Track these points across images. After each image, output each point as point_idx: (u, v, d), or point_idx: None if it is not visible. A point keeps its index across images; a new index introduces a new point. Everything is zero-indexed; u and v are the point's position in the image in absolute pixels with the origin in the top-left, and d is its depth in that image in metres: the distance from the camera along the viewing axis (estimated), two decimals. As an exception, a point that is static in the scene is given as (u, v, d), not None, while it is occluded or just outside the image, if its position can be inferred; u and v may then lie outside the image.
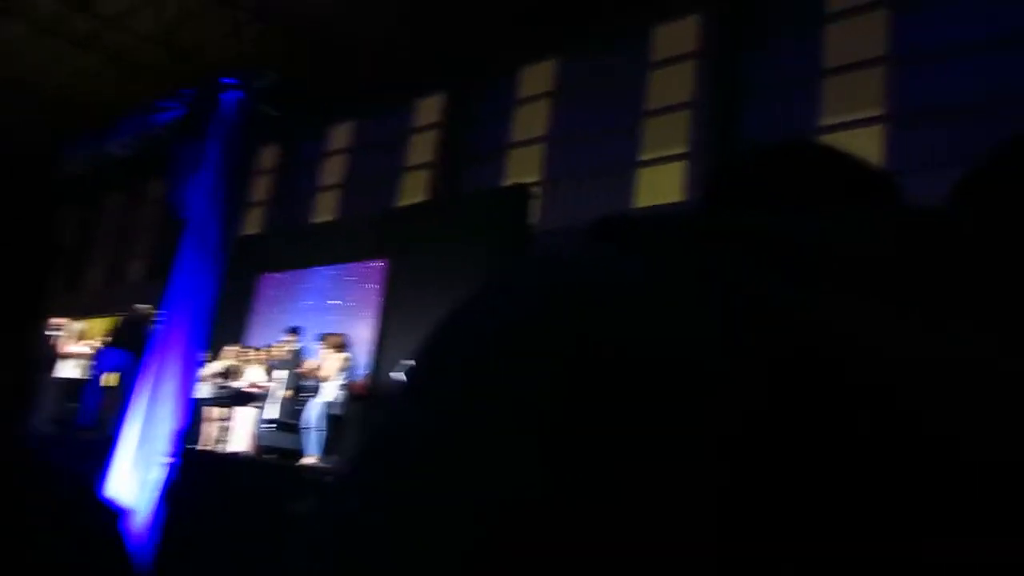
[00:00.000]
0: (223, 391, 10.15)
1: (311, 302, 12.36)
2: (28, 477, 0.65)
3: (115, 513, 0.71)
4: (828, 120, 10.70)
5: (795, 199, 0.50)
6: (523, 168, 13.45)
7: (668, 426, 0.27)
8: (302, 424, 9.78)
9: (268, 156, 18.34)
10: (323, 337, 10.21)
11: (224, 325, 10.99)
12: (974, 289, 0.30)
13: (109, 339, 11.85)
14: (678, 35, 12.35)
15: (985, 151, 0.44)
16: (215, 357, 10.77)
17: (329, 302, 12.11)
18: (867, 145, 9.79)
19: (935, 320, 0.29)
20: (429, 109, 15.41)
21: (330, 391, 9.65)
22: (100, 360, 11.33)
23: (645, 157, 12.26)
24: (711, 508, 0.25)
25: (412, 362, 0.37)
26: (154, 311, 8.70)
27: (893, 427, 0.26)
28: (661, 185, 11.75)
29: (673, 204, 11.28)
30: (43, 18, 15.86)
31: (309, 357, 10.23)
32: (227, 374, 10.50)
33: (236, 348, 11.09)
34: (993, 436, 0.26)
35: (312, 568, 0.31)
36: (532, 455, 0.27)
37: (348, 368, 9.86)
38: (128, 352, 10.14)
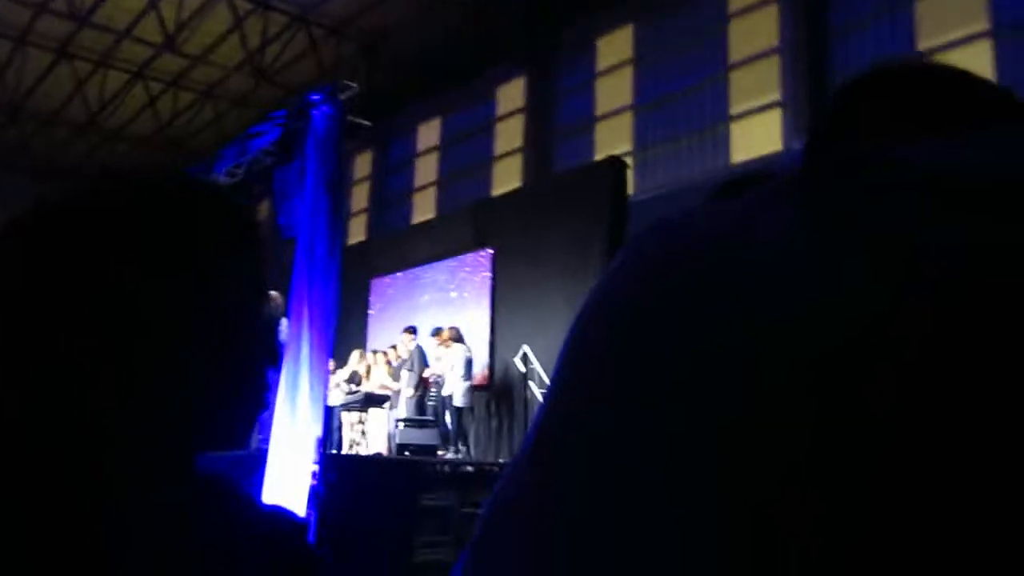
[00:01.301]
0: (353, 396, 10.51)
1: (424, 298, 12.62)
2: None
3: (301, 525, 0.74)
4: (926, 43, 10.17)
5: (926, 123, 0.48)
6: (613, 139, 13.33)
7: (843, 385, 0.26)
8: (431, 419, 10.04)
9: (363, 164, 18.77)
10: (437, 332, 10.42)
11: (345, 333, 11.37)
12: None
13: None
14: (755, -20, 11.96)
15: None
16: (341, 364, 11.15)
17: (441, 297, 12.33)
18: (974, 63, 9.26)
19: None
20: (511, 94, 15.44)
21: (453, 384, 9.86)
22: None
23: (736, 111, 11.95)
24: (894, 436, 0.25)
25: (568, 345, 0.37)
26: (283, 304, 9.02)
27: None
28: (757, 137, 11.43)
29: (772, 155, 10.96)
30: (135, 64, 16.66)
31: (427, 353, 10.46)
32: (355, 379, 10.86)
33: (360, 353, 11.44)
34: None
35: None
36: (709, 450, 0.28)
37: (466, 360, 10.04)
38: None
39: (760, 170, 0.38)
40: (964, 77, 0.55)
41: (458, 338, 10.20)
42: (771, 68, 11.57)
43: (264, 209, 20.45)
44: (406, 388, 10.24)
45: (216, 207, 0.71)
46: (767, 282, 0.29)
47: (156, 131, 18.27)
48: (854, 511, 0.26)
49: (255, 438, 11.40)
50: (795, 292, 0.28)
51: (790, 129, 10.95)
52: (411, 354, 10.43)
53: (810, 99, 10.71)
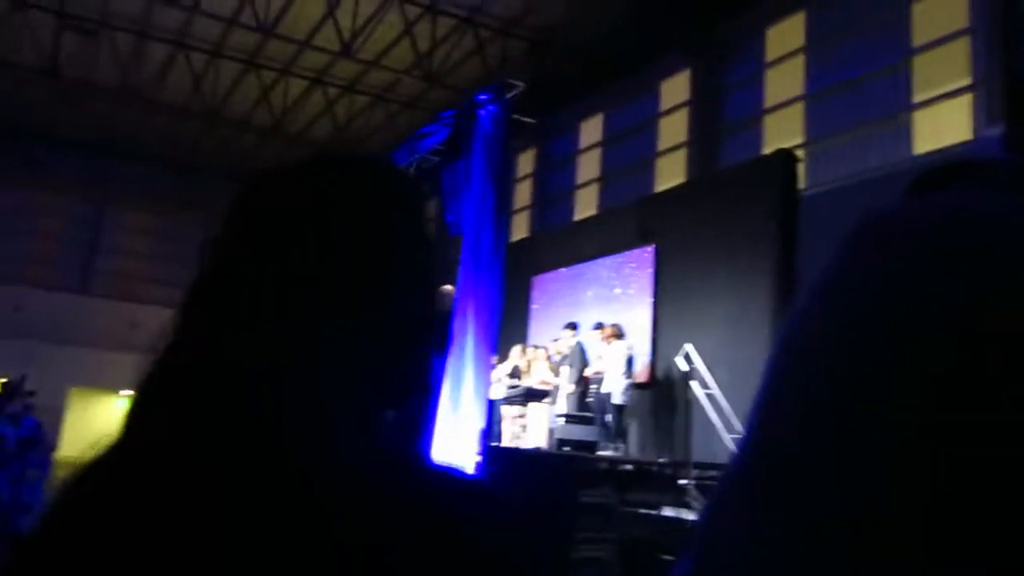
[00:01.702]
0: (514, 390, 10.69)
1: (587, 294, 12.65)
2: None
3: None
4: None
5: None
6: (783, 132, 12.82)
7: None
8: (590, 415, 10.06)
9: (526, 162, 19.04)
10: (599, 327, 10.42)
11: (507, 328, 11.58)
12: None
13: None
14: (942, -43, 11.15)
15: None
16: (503, 359, 11.37)
17: (603, 293, 12.32)
18: None
19: None
20: (675, 88, 15.18)
21: (614, 381, 9.84)
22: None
23: (920, 98, 11.18)
24: None
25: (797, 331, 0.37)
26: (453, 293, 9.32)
27: None
28: (944, 126, 10.65)
29: (960, 145, 10.19)
30: (314, 71, 17.67)
31: (588, 350, 10.48)
32: (516, 373, 11.05)
33: (521, 348, 11.63)
34: None
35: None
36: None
37: (627, 357, 9.99)
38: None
39: (959, 159, 0.37)
40: None
41: (619, 335, 10.16)
42: (960, 51, 10.74)
43: (432, 207, 21.23)
44: (566, 384, 10.31)
45: (396, 181, 0.81)
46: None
47: (334, 134, 19.30)
48: None
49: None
50: None
51: (982, 116, 10.13)
52: (572, 350, 10.49)
53: (1006, 82, 9.86)
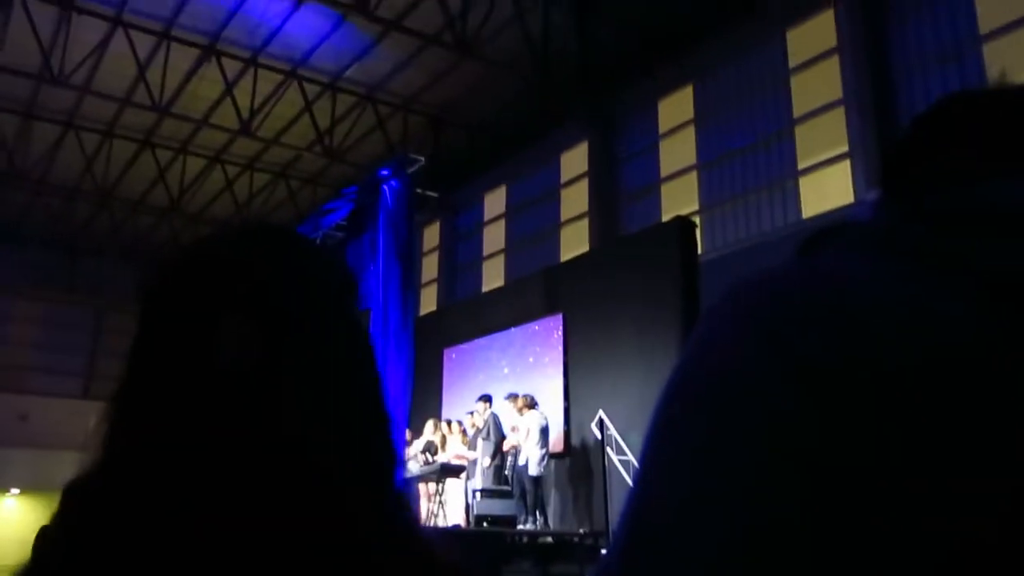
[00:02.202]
0: (429, 466, 10.50)
1: (499, 365, 12.64)
2: None
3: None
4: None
5: (1003, 154, 0.46)
6: (680, 200, 13.31)
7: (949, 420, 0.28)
8: (508, 489, 9.95)
9: (432, 235, 19.11)
10: (513, 397, 10.39)
11: (420, 402, 11.43)
12: None
13: None
14: (813, 33, 11.94)
15: None
16: (417, 434, 11.19)
17: (514, 364, 12.33)
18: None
19: None
20: (575, 159, 15.61)
21: (529, 453, 9.78)
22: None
23: (804, 164, 11.83)
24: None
25: (661, 406, 0.38)
26: None
27: None
28: (828, 190, 11.27)
29: (845, 207, 10.78)
30: (213, 149, 17.45)
31: (503, 421, 10.42)
32: (431, 449, 10.87)
33: (434, 422, 11.47)
34: None
35: None
36: (793, 477, 0.29)
37: (542, 427, 9.97)
38: None
39: (838, 223, 0.39)
40: None
41: (532, 405, 10.15)
42: (837, 119, 11.46)
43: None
44: (483, 457, 10.20)
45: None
46: (881, 328, 0.30)
47: (234, 212, 18.98)
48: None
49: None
50: (905, 337, 0.29)
51: (861, 180, 10.77)
52: (487, 423, 10.41)
53: (879, 148, 10.53)
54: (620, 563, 0.34)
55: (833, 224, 0.39)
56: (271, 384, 0.65)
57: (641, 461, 0.37)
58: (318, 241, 15.46)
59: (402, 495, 0.74)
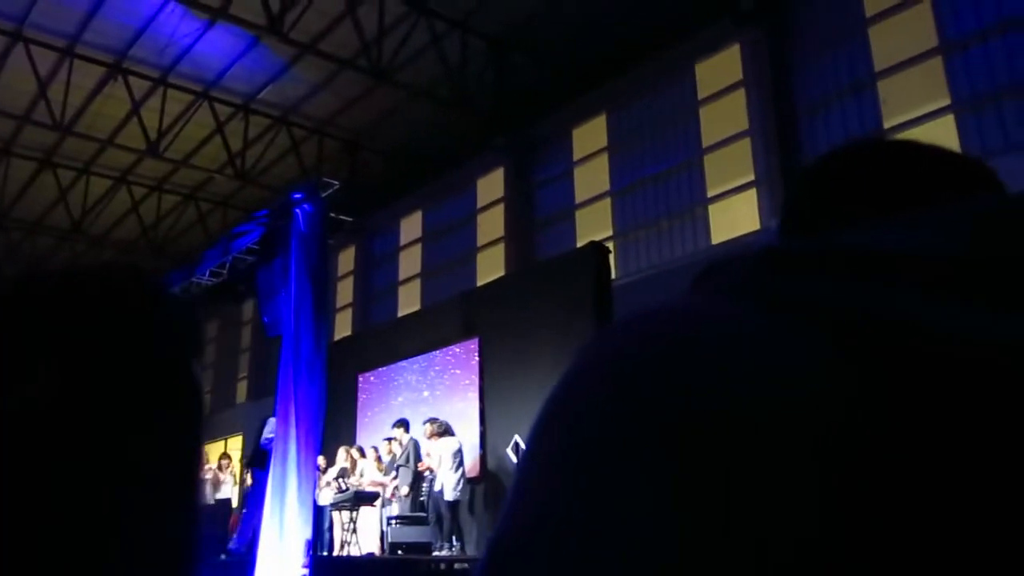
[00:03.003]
0: (343, 494, 10.30)
1: (413, 392, 12.52)
2: None
3: None
4: (892, 121, 10.50)
5: (890, 199, 0.50)
6: (594, 226, 13.53)
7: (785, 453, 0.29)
8: (423, 516, 9.83)
9: (347, 260, 18.89)
10: (427, 424, 10.30)
11: (335, 428, 11.22)
12: None
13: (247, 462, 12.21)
14: (721, 67, 12.37)
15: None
16: (330, 462, 10.96)
17: (430, 388, 12.25)
18: (940, 137, 9.53)
19: (1004, 308, 0.30)
20: (491, 185, 15.71)
21: (445, 478, 9.70)
22: (255, 483, 11.40)
23: (713, 192, 12.20)
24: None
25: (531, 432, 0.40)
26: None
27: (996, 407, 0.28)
28: (736, 217, 11.64)
29: (752, 234, 11.14)
30: (118, 170, 16.89)
31: (419, 447, 10.32)
32: (344, 476, 10.67)
33: (345, 449, 11.27)
34: None
35: None
36: (648, 506, 0.30)
37: (455, 452, 9.90)
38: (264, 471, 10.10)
39: (726, 258, 0.41)
40: (927, 152, 0.58)
41: (444, 432, 10.07)
42: (743, 150, 11.88)
43: (248, 309, 20.50)
44: (402, 486, 10.07)
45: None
46: (730, 371, 0.31)
47: (140, 234, 18.38)
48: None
49: (237, 542, 11.15)
50: (751, 379, 0.31)
51: (767, 208, 11.16)
52: (405, 449, 10.28)
53: (784, 177, 10.95)
54: None
55: (722, 259, 0.41)
56: (57, 430, 0.56)
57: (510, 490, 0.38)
58: (226, 267, 15.11)
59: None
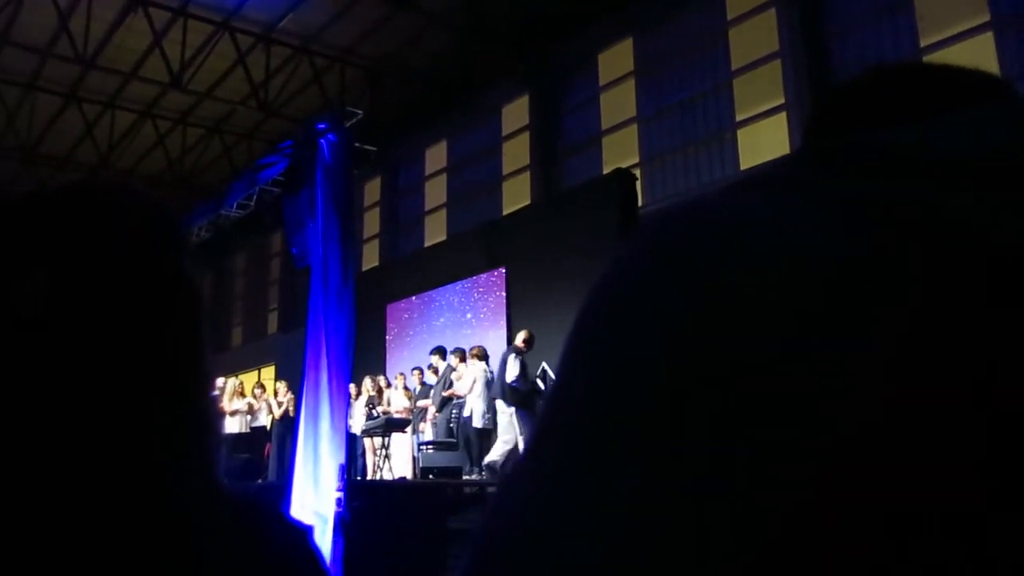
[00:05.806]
0: (374, 420, 10.52)
1: (440, 320, 12.64)
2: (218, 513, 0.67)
3: (303, 529, 0.75)
4: (927, 40, 10.17)
5: (909, 114, 0.50)
6: (620, 152, 13.36)
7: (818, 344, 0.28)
8: (454, 441, 10.03)
9: (372, 191, 18.89)
10: (457, 352, 10.43)
11: (365, 358, 11.40)
12: None
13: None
14: (752, -14, 12.00)
15: None
16: (361, 390, 11.17)
17: (456, 318, 12.36)
18: (977, 57, 9.24)
19: None
20: (516, 113, 15.52)
21: (475, 404, 9.85)
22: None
23: (742, 116, 11.97)
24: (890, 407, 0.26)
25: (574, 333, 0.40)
26: None
27: None
28: (765, 142, 11.44)
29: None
30: (143, 103, 16.87)
31: (451, 374, 10.47)
32: (373, 404, 10.88)
33: (374, 378, 11.46)
34: None
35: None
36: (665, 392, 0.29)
37: (486, 379, 10.03)
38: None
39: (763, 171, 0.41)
40: (954, 72, 0.57)
41: (483, 356, 10.16)
42: (774, 72, 11.60)
43: (277, 240, 20.63)
44: (430, 410, 10.26)
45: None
46: (770, 262, 0.31)
47: (166, 168, 18.46)
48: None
49: (274, 469, 11.47)
50: (771, 248, 0.31)
51: (796, 132, 10.95)
52: (442, 375, 10.43)
53: (814, 101, 10.71)
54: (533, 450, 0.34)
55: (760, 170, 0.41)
56: (61, 333, 0.62)
57: (556, 371, 0.37)
58: (253, 199, 15.17)
59: (211, 466, 0.68)
